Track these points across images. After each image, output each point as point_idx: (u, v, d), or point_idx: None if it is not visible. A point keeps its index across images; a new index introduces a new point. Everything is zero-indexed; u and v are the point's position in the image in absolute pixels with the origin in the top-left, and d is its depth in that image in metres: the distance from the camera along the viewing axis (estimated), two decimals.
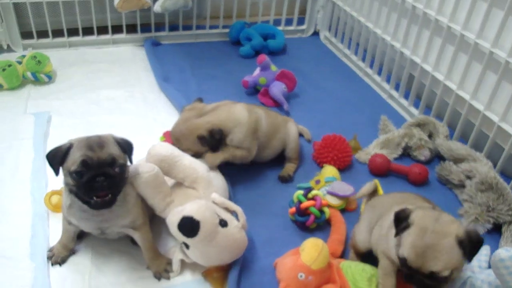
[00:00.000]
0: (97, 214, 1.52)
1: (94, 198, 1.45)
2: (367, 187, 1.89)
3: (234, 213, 1.68)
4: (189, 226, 1.50)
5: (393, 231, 1.49)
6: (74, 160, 1.42)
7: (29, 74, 2.67)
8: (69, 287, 1.60)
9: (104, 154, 1.43)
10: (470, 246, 1.35)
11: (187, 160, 1.73)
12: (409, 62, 2.65)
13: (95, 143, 1.44)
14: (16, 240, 1.74)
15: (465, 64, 2.27)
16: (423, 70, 2.56)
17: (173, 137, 1.96)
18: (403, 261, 1.39)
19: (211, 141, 1.89)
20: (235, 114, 1.99)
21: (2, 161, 2.11)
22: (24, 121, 2.37)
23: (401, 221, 1.43)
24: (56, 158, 1.45)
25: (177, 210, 1.56)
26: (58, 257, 1.68)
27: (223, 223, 1.56)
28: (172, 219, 1.55)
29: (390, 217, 1.56)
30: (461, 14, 2.28)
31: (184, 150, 1.86)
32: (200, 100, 2.09)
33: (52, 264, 1.67)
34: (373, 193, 1.90)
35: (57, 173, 1.47)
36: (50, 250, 1.70)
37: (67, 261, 1.68)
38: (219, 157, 1.92)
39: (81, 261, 1.69)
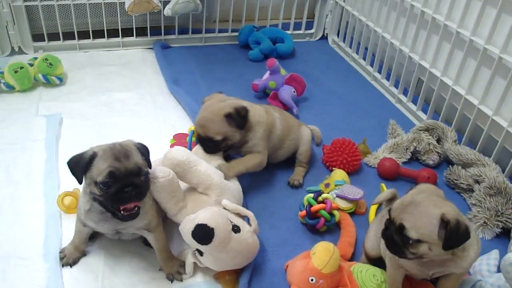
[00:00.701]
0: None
1: (122, 212, 1.47)
2: (384, 194, 1.89)
3: (245, 218, 1.70)
4: (203, 234, 1.51)
5: None
6: (100, 170, 1.43)
7: (40, 76, 2.70)
8: (82, 287, 1.62)
9: (130, 164, 1.44)
10: (452, 232, 1.32)
11: (202, 166, 1.74)
12: (417, 67, 2.67)
13: (120, 153, 1.45)
14: (30, 241, 1.76)
15: (474, 69, 2.28)
16: (431, 75, 2.57)
17: (199, 126, 1.96)
18: (389, 211, 1.43)
19: (238, 119, 1.91)
20: (256, 112, 2.02)
21: (15, 162, 2.13)
22: (36, 123, 2.40)
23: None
24: (79, 167, 1.46)
25: (190, 218, 1.57)
26: (69, 259, 1.70)
27: (236, 229, 1.58)
28: (186, 227, 1.56)
29: None
30: (470, 19, 2.29)
31: (213, 135, 1.90)
32: (220, 92, 2.10)
33: (63, 265, 1.69)
34: (392, 200, 1.88)
35: (80, 181, 1.48)
36: (62, 251, 1.72)
37: (80, 262, 1.70)
38: (234, 168, 1.95)
39: (94, 262, 1.71)
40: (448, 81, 2.46)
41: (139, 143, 1.56)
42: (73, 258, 1.70)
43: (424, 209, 1.35)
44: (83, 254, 1.73)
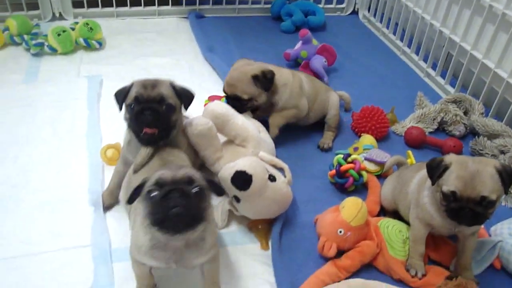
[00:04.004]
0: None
1: (143, 132, 1.60)
2: (392, 160, 2.00)
3: (280, 171, 1.79)
4: (243, 180, 1.61)
5: (425, 191, 1.59)
6: (130, 95, 1.62)
7: (81, 40, 2.82)
8: (123, 228, 1.74)
9: (154, 93, 1.61)
10: (507, 176, 1.43)
11: (239, 119, 1.85)
12: (448, 41, 2.71)
13: (149, 84, 1.62)
14: (76, 188, 1.89)
15: (504, 43, 2.32)
16: (461, 49, 2.61)
17: (227, 85, 2.07)
18: (450, 196, 1.45)
19: (264, 81, 2.01)
20: (282, 75, 2.12)
21: (60, 118, 2.26)
22: (78, 83, 2.53)
23: (435, 168, 1.51)
24: (121, 95, 1.65)
25: (230, 165, 1.68)
26: (104, 204, 1.84)
27: (272, 178, 1.68)
28: (225, 174, 1.67)
29: (414, 182, 1.68)
30: None
31: (240, 94, 2.01)
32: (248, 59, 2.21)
33: (106, 209, 1.83)
34: (401, 164, 2.01)
35: (120, 108, 1.67)
36: (103, 197, 1.85)
37: (124, 209, 1.82)
38: (279, 120, 2.12)
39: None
40: (478, 54, 2.50)
41: (181, 86, 1.70)
42: (107, 204, 1.84)
43: (485, 173, 1.42)
44: (118, 201, 1.84)
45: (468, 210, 1.45)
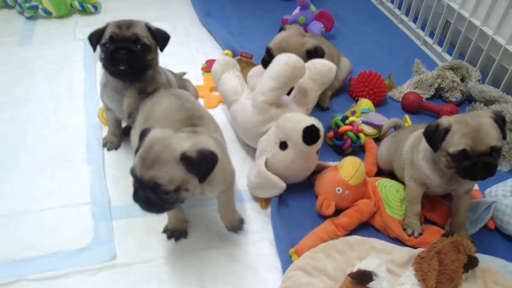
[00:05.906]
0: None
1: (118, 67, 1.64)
2: (390, 122, 2.02)
3: None
4: (313, 134, 1.68)
5: (417, 153, 1.61)
6: (105, 35, 1.64)
7: (76, 3, 2.78)
8: (122, 187, 1.75)
9: (129, 33, 1.63)
10: (501, 121, 1.47)
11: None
12: (446, 9, 2.69)
13: (124, 24, 1.65)
14: (74, 147, 1.90)
15: (503, 10, 2.31)
16: (460, 16, 2.60)
17: (276, 47, 1.99)
18: (461, 155, 1.45)
19: (314, 57, 1.99)
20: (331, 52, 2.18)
21: (57, 80, 2.25)
22: (74, 46, 2.51)
23: (434, 134, 1.50)
24: (95, 36, 1.67)
25: (295, 118, 1.73)
26: (112, 144, 1.92)
27: None
28: (295, 126, 1.70)
29: (408, 143, 1.70)
30: None
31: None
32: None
33: (108, 149, 1.91)
34: (398, 127, 2.03)
35: (94, 49, 1.69)
36: (104, 138, 1.93)
37: (122, 167, 1.83)
38: None
39: None
40: (477, 22, 2.49)
41: (157, 28, 1.73)
42: (115, 142, 1.93)
43: (485, 123, 1.44)
44: (121, 138, 1.95)
45: (481, 164, 1.45)
